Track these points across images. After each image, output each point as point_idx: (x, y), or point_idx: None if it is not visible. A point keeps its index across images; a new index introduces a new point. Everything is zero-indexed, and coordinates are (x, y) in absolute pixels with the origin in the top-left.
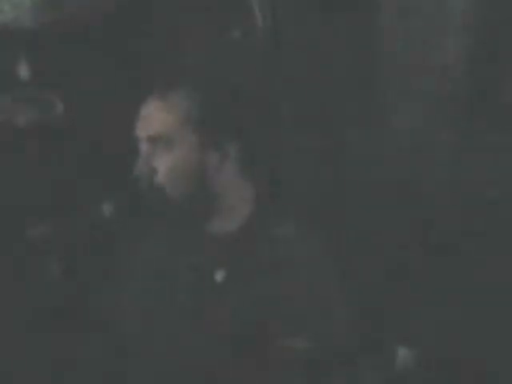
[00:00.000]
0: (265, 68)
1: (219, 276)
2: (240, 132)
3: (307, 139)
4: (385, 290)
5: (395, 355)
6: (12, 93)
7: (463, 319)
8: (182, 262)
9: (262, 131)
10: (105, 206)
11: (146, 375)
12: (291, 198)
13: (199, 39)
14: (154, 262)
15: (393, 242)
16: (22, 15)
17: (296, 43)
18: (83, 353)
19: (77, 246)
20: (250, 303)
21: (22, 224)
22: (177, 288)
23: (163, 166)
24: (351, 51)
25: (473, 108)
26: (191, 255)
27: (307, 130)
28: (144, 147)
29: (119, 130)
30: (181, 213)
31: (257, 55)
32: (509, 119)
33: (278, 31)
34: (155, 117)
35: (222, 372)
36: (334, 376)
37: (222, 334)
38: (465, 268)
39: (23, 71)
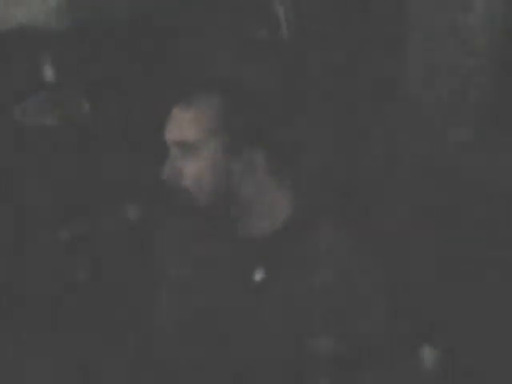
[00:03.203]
0: (289, 69)
1: (258, 276)
2: (267, 137)
3: (332, 140)
4: (421, 288)
5: (425, 355)
6: (39, 95)
7: (498, 321)
8: (212, 265)
9: (288, 135)
10: (131, 208)
11: (179, 375)
12: (325, 198)
13: (225, 41)
14: (184, 264)
15: (430, 237)
16: (48, 16)
17: (318, 43)
18: (112, 354)
19: (104, 248)
20: (285, 304)
21: (52, 226)
22: (210, 288)
23: (189, 170)
24: (375, 51)
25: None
26: (222, 258)
27: (332, 131)
28: (172, 151)
29: (146, 132)
30: (208, 216)
31: (281, 57)
32: None
33: (302, 32)
34: (181, 122)
35: (253, 371)
36: (362, 376)
37: (259, 333)
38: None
39: (49, 73)
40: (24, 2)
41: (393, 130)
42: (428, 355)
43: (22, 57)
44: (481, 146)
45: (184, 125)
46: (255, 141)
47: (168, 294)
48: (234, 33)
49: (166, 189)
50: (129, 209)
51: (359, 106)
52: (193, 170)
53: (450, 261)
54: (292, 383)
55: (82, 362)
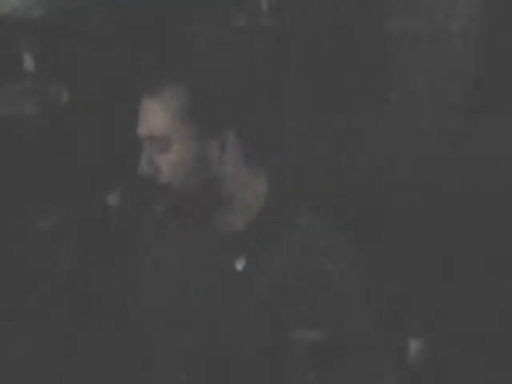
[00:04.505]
0: (268, 54)
1: (239, 265)
2: (237, 118)
3: (313, 125)
4: (401, 279)
5: (408, 345)
6: (18, 84)
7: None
8: (196, 255)
9: (262, 118)
10: (110, 196)
11: (165, 369)
12: (303, 187)
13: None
14: (167, 256)
15: (409, 229)
16: (27, 5)
17: (301, 29)
18: (94, 344)
19: (85, 238)
20: (264, 295)
21: (29, 215)
22: (192, 280)
23: (165, 163)
24: (358, 37)
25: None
26: (205, 248)
27: (313, 117)
28: (146, 145)
29: (124, 122)
30: (191, 207)
31: (259, 41)
32: None
33: (283, 17)
34: (149, 116)
35: (241, 363)
36: (346, 367)
37: (241, 323)
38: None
39: (28, 62)
40: None
41: (373, 121)
42: (412, 346)
43: (1, 45)
44: (472, 133)
45: (152, 118)
46: (226, 120)
47: (149, 283)
48: (208, 20)
49: (144, 182)
50: (108, 197)
51: (339, 97)
52: (169, 162)
53: (432, 251)
54: (274, 371)
55: (66, 349)
